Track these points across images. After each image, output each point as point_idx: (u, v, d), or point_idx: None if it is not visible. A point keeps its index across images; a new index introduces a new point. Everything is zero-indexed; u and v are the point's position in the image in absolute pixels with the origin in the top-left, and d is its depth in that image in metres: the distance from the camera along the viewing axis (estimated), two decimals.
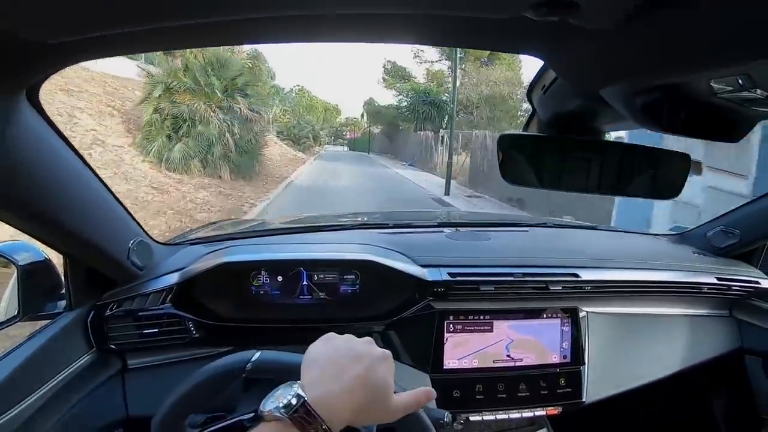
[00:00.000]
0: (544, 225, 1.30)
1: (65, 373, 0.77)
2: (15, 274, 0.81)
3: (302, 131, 28.53)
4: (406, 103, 21.55)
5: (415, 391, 0.50)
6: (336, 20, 0.44)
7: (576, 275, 0.98)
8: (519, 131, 0.81)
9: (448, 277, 0.94)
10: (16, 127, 0.52)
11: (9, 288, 0.90)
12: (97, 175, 0.75)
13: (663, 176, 0.70)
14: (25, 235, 0.70)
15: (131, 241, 0.88)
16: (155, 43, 0.55)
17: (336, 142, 60.26)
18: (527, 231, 1.24)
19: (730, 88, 0.41)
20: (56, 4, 0.35)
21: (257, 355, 0.61)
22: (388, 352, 0.51)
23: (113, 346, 0.87)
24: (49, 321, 0.82)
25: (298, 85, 52.23)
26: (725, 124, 0.53)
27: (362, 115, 44.42)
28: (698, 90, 0.45)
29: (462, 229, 1.17)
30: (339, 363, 0.45)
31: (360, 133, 42.74)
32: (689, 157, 0.70)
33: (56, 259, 0.86)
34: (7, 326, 0.80)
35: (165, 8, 0.39)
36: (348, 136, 48.73)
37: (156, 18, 0.41)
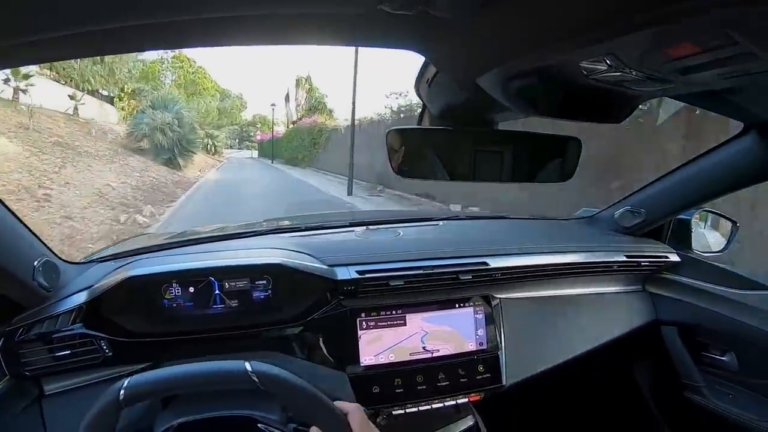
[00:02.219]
0: (456, 218, 1.32)
1: None
2: None
3: (172, 131, 13.71)
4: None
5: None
6: (197, 24, 0.42)
7: (485, 263, 1.01)
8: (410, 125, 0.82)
9: (357, 275, 0.94)
10: None
11: None
12: None
13: (558, 160, 0.72)
14: None
15: (36, 261, 0.84)
16: (67, 50, 0.51)
17: (242, 145, 48.14)
18: (438, 224, 1.27)
19: (602, 68, 0.41)
20: None
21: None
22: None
23: (27, 372, 0.84)
24: None
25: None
26: (605, 106, 0.55)
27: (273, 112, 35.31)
28: (570, 72, 0.45)
29: (372, 227, 1.18)
30: None
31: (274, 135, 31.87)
32: (580, 140, 0.72)
33: None
34: None
35: (82, 14, 0.36)
36: (259, 138, 39.58)
37: (69, 25, 0.38)
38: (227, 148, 40.55)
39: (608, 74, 0.43)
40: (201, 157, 19.54)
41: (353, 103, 11.91)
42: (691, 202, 1.16)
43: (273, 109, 32.79)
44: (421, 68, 0.70)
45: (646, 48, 0.36)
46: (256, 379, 0.67)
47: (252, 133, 47.32)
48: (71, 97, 13.17)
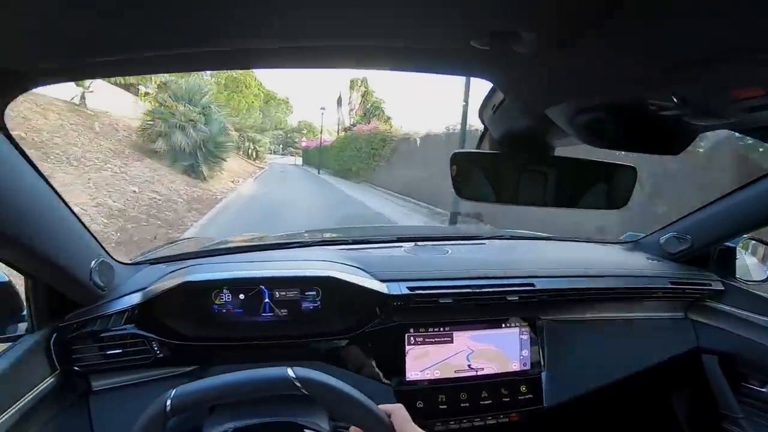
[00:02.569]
0: (500, 237, 1.33)
1: (29, 397, 0.76)
2: None
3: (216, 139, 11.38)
4: None
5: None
6: (301, 51, 0.48)
7: (532, 285, 1.01)
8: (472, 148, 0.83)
9: (408, 291, 0.95)
10: None
11: None
12: (60, 196, 0.75)
13: (612, 188, 0.73)
14: None
15: (93, 262, 0.87)
16: (127, 69, 0.56)
17: (286, 151, 45.83)
18: (484, 243, 1.27)
19: (668, 105, 0.43)
20: (36, 35, 0.36)
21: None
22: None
23: (77, 368, 0.87)
24: (10, 344, 0.81)
25: None
26: (665, 139, 0.56)
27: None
28: (636, 108, 0.47)
29: (420, 244, 1.19)
30: None
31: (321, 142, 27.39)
32: (635, 168, 0.73)
33: (16, 280, 0.85)
34: None
35: (143, 41, 0.41)
36: (304, 144, 35.63)
37: (129, 49, 0.43)
38: (270, 154, 37.60)
39: (673, 110, 0.44)
40: (238, 163, 17.16)
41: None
42: (736, 230, 1.15)
43: (322, 113, 27.10)
44: (488, 94, 0.72)
45: (714, 89, 0.37)
46: (299, 384, 0.68)
47: (297, 140, 44.31)
48: (78, 83, 10.16)
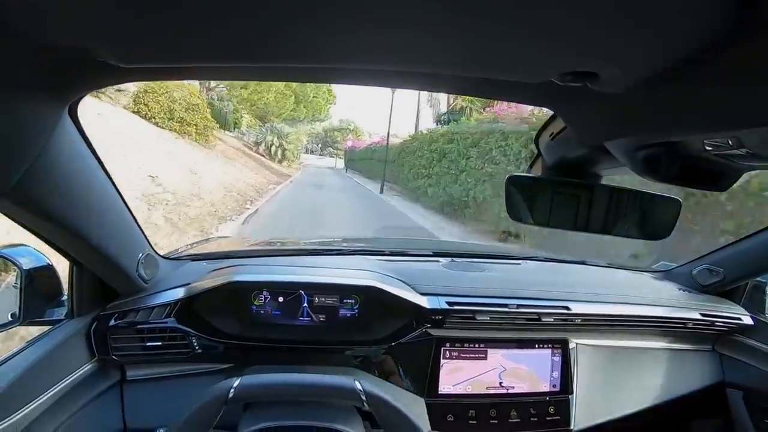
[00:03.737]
0: (534, 258, 1.34)
1: (66, 382, 0.79)
2: (16, 278, 0.81)
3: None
4: None
5: None
6: (393, 74, 0.53)
7: (567, 308, 1.03)
8: (524, 172, 0.85)
9: (447, 306, 0.97)
10: (57, 138, 0.56)
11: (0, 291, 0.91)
12: (117, 189, 0.77)
13: (656, 218, 0.75)
14: (34, 238, 0.70)
15: (140, 254, 0.90)
16: (211, 74, 0.61)
17: (324, 151, 39.59)
18: (519, 264, 1.29)
19: (721, 146, 0.45)
20: (140, 32, 0.39)
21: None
22: None
23: (115, 357, 0.89)
24: (49, 327, 0.84)
25: None
26: (715, 176, 0.58)
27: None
28: (693, 147, 0.49)
29: (457, 260, 1.21)
30: None
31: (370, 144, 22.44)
32: (680, 201, 0.75)
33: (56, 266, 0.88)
34: (8, 329, 0.81)
35: (234, 52, 0.44)
36: (349, 145, 28.39)
37: (222, 58, 0.47)
38: (306, 153, 32.77)
39: (726, 151, 0.46)
40: (241, 171, 10.95)
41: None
42: None
43: (392, 96, 14.88)
44: (548, 121, 0.75)
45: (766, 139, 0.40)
46: (364, 398, 0.70)
47: (338, 139, 37.63)
48: None
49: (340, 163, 30.93)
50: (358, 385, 0.70)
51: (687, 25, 0.31)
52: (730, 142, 0.43)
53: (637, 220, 0.75)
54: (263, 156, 17.43)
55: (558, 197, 0.73)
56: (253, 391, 0.70)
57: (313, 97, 21.44)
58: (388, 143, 14.73)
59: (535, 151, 0.83)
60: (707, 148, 0.47)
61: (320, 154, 39.54)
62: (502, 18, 0.32)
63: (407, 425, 0.71)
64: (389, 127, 14.47)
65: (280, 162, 17.85)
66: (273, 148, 17.67)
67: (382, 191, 12.79)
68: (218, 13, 0.35)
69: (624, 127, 0.53)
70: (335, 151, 37.13)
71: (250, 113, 20.60)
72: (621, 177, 0.82)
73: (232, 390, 0.67)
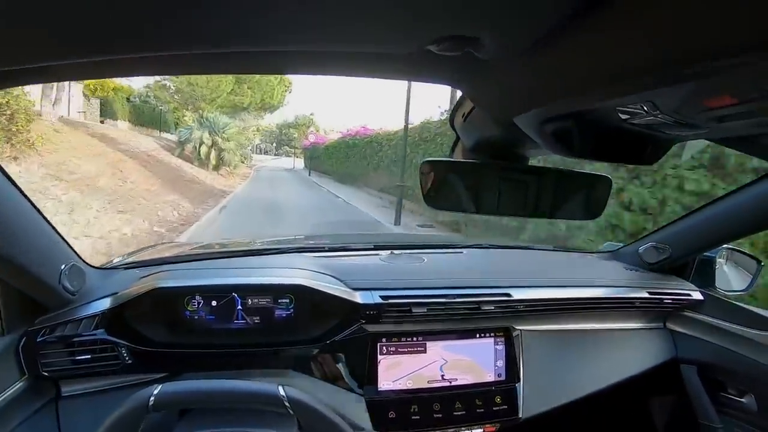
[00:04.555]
0: (479, 246, 1.32)
1: None
2: None
3: None
4: None
5: None
6: (250, 55, 0.48)
7: (508, 295, 1.01)
8: (444, 156, 0.83)
9: (380, 300, 0.95)
10: None
11: None
12: (28, 199, 0.74)
13: (587, 198, 0.73)
14: None
15: (63, 266, 0.86)
16: (97, 72, 0.56)
17: (280, 150, 35.81)
18: (462, 252, 1.27)
19: (638, 113, 0.42)
20: (21, 34, 0.35)
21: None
22: None
23: (46, 373, 0.86)
24: None
25: None
26: (638, 149, 0.55)
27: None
28: (606, 117, 0.46)
29: (397, 252, 1.18)
30: None
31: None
32: (610, 179, 0.73)
33: None
34: None
35: (116, 44, 0.40)
36: (311, 141, 23.80)
37: (97, 52, 0.42)
38: (260, 153, 28.71)
39: (644, 119, 0.43)
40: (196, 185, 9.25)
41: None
42: (716, 240, 1.15)
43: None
44: (458, 102, 0.72)
45: (685, 98, 0.36)
46: (288, 404, 0.69)
47: (294, 136, 33.82)
48: None
49: (300, 163, 26.78)
50: (282, 391, 0.69)
51: None
52: (644, 108, 0.40)
53: (567, 201, 0.73)
54: (190, 161, 12.33)
55: (479, 181, 0.70)
56: (174, 399, 0.68)
57: (265, 85, 16.69)
58: (407, 133, 8.53)
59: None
60: (622, 117, 0.44)
61: (275, 154, 35.39)
62: None
63: (333, 429, 0.70)
64: (407, 114, 8.46)
65: (215, 169, 12.33)
66: (203, 149, 11.89)
67: (398, 221, 7.02)
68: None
69: (526, 99, 0.50)
70: (292, 150, 33.25)
71: (183, 106, 16.01)
72: (554, 158, 0.80)
73: (152, 398, 0.66)
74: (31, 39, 0.38)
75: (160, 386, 0.66)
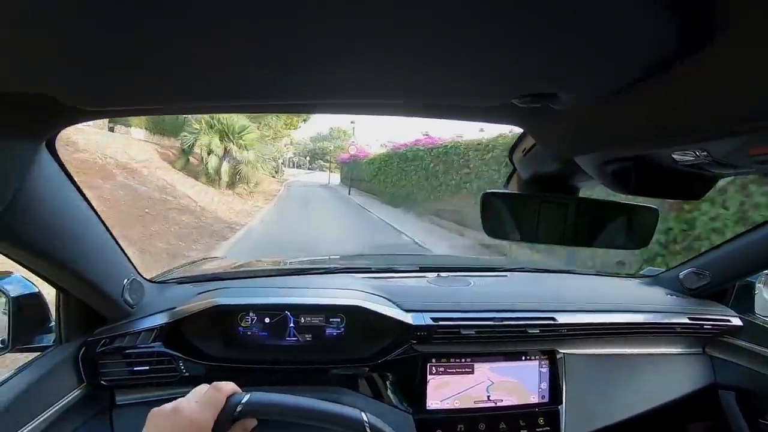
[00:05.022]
0: (522, 270, 1.34)
1: (55, 408, 0.79)
2: (3, 305, 0.82)
3: None
4: None
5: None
6: (356, 105, 0.56)
7: (553, 319, 1.03)
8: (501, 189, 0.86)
9: (431, 322, 0.98)
10: (34, 172, 0.57)
11: None
12: (98, 216, 0.78)
13: (634, 228, 0.76)
14: (20, 267, 0.71)
15: (125, 280, 0.91)
16: (174, 109, 0.64)
17: (314, 164, 32.80)
18: (506, 276, 1.29)
19: (691, 158, 0.46)
20: (96, 81, 0.40)
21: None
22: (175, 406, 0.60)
23: (103, 382, 0.90)
24: (38, 354, 0.84)
25: None
26: (687, 186, 0.58)
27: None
28: (662, 160, 0.50)
29: (443, 275, 1.21)
30: None
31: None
32: (657, 210, 0.76)
33: (44, 291, 0.86)
34: None
35: (198, 93, 0.46)
36: (351, 153, 20.04)
37: (187, 100, 0.48)
38: (292, 167, 26.33)
39: (696, 161, 0.47)
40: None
41: None
42: (756, 266, 1.15)
43: None
44: (519, 137, 0.76)
45: (734, 148, 0.40)
46: (369, 431, 0.71)
47: (329, 149, 31.54)
48: None
49: (335, 178, 23.64)
50: (365, 417, 0.71)
51: (637, 45, 0.31)
52: (697, 153, 0.44)
53: (617, 231, 0.76)
54: (195, 176, 9.72)
55: (537, 212, 0.74)
56: (263, 408, 0.70)
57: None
58: None
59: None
60: (676, 159, 0.48)
61: (309, 168, 31.56)
62: (458, 51, 0.33)
63: None
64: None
65: (230, 187, 9.61)
66: (212, 161, 9.31)
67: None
68: (177, 64, 0.36)
69: (590, 142, 0.54)
70: (326, 164, 30.12)
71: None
72: (601, 187, 0.83)
73: (239, 406, 0.68)
74: (147, 87, 0.43)
75: (248, 395, 0.68)
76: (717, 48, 0.29)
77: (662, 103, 0.39)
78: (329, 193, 15.32)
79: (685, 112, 0.38)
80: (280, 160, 17.60)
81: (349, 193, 15.13)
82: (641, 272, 1.38)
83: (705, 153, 0.43)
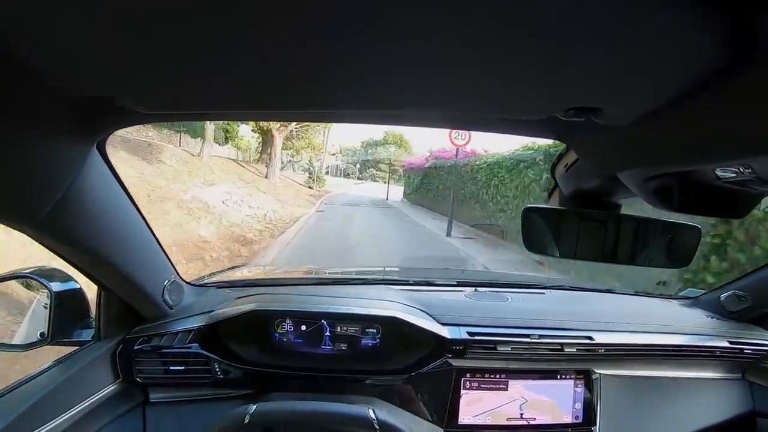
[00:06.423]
0: (560, 287, 1.33)
1: (90, 401, 0.81)
2: (45, 300, 0.85)
3: None
4: None
5: None
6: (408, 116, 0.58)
7: (590, 338, 1.01)
8: (542, 204, 0.85)
9: (467, 336, 0.97)
10: (85, 172, 0.59)
11: (29, 312, 0.95)
12: (144, 218, 0.81)
13: (676, 246, 0.75)
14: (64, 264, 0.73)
15: (166, 281, 0.93)
16: (228, 116, 0.67)
17: (365, 173, 29.48)
18: (544, 293, 1.28)
19: (733, 175, 0.45)
20: (153, 84, 0.43)
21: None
22: None
23: (139, 379, 0.92)
24: (76, 348, 0.87)
25: None
26: (730, 204, 0.57)
27: None
28: (705, 176, 0.50)
29: (481, 289, 1.21)
30: None
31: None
32: (700, 228, 0.74)
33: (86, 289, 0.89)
34: (36, 348, 0.85)
35: (252, 100, 0.48)
36: (414, 162, 15.67)
37: (234, 107, 0.50)
38: (338, 176, 24.01)
39: (739, 177, 0.46)
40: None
41: None
42: None
43: None
44: (562, 153, 0.75)
45: None
46: (377, 427, 0.71)
47: (382, 156, 26.84)
48: None
49: (396, 192, 17.19)
50: (372, 414, 0.71)
51: (683, 61, 0.32)
52: (741, 169, 0.44)
53: (658, 249, 0.75)
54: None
55: (577, 228, 0.73)
56: (268, 418, 0.72)
57: None
58: None
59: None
60: (719, 176, 0.48)
61: (359, 177, 26.92)
62: (506, 64, 0.34)
63: None
64: None
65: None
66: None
67: None
68: (228, 73, 0.37)
69: (633, 158, 0.54)
70: (379, 173, 25.20)
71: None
72: (641, 204, 0.82)
73: (247, 416, 0.70)
74: (203, 93, 0.45)
75: (255, 405, 0.69)
76: (761, 65, 0.30)
77: (706, 119, 0.39)
78: (395, 224, 8.68)
79: (729, 128, 0.38)
80: (317, 167, 15.16)
81: (448, 234, 7.55)
82: (681, 293, 1.35)
83: (749, 170, 0.42)
